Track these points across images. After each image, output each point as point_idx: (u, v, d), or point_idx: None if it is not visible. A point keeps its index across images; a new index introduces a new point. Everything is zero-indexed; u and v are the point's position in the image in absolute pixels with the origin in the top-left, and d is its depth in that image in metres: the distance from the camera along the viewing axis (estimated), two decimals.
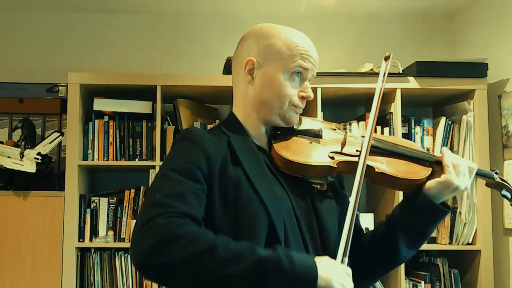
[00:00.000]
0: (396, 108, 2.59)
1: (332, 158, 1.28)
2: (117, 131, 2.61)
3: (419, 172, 1.31)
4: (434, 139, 2.66)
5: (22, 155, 2.55)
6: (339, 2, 2.91)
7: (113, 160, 2.59)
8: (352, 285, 1.10)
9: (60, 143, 2.70)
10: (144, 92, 2.60)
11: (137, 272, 2.50)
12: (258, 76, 1.29)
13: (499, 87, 2.63)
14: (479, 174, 1.38)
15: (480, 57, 2.63)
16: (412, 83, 2.60)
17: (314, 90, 2.57)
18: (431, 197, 1.28)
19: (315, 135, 1.33)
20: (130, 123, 2.64)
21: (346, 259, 1.14)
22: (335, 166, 1.26)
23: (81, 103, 2.58)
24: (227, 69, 2.56)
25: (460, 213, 2.58)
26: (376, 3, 2.94)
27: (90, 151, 2.59)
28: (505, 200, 2.54)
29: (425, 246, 2.59)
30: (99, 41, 3.03)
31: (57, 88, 2.82)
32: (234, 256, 1.02)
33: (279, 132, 1.32)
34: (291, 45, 1.27)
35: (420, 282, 2.57)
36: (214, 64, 2.75)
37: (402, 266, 2.50)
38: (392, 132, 2.60)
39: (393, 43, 3.06)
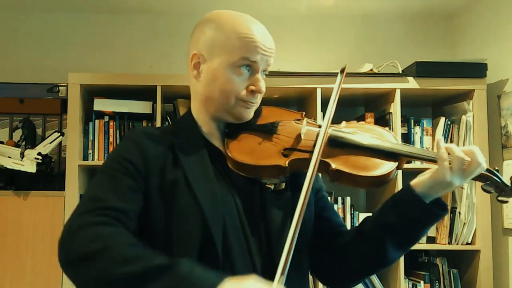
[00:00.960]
0: (395, 108, 2.59)
1: (286, 156, 1.18)
2: (117, 131, 2.62)
3: (382, 167, 1.17)
4: (433, 139, 2.66)
5: (22, 155, 2.56)
6: (339, 2, 2.91)
7: None
8: None
9: (60, 143, 2.71)
10: (144, 92, 2.60)
11: None
12: (204, 71, 1.20)
13: (499, 87, 2.64)
14: None
15: (479, 57, 2.63)
16: (411, 83, 2.61)
17: (314, 90, 2.58)
18: (422, 195, 1.15)
19: (269, 131, 1.23)
20: (130, 123, 2.64)
21: (284, 278, 1.03)
22: (286, 166, 1.16)
23: (82, 103, 2.58)
24: None
25: (459, 213, 2.58)
26: (376, 3, 2.95)
27: (90, 151, 2.60)
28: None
29: (424, 246, 2.60)
30: (100, 42, 3.04)
31: (57, 88, 2.82)
32: (128, 258, 0.98)
33: (232, 129, 1.23)
34: (236, 36, 1.17)
35: (419, 282, 2.58)
36: None
37: (402, 266, 2.51)
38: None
39: (393, 43, 3.06)
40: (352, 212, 2.66)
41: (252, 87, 1.20)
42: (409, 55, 2.75)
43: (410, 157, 1.21)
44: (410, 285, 2.59)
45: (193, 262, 0.98)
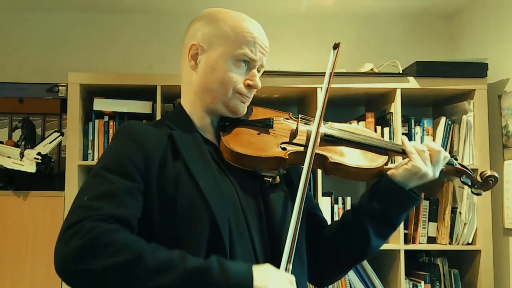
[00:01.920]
0: (396, 108, 2.59)
1: (284, 149, 1.22)
2: None
3: (375, 160, 1.27)
4: (434, 139, 2.66)
5: (22, 155, 2.55)
6: (339, 2, 2.91)
7: None
8: None
9: (60, 143, 2.70)
10: (144, 92, 2.60)
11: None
12: (202, 62, 1.21)
13: (499, 87, 2.63)
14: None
15: (480, 57, 2.63)
16: (412, 83, 2.60)
17: (314, 90, 2.58)
18: (397, 183, 1.23)
19: (266, 125, 1.25)
20: None
21: (290, 266, 1.08)
22: (286, 157, 1.20)
23: (81, 103, 2.58)
24: None
25: (460, 213, 2.58)
26: (376, 3, 2.94)
27: (90, 151, 2.59)
28: (505, 200, 2.55)
29: (425, 246, 2.60)
30: (99, 41, 3.04)
31: (57, 88, 2.82)
32: (162, 266, 0.96)
33: (227, 123, 1.24)
34: (238, 30, 1.20)
35: (420, 282, 2.57)
36: None
37: (402, 266, 2.50)
38: (392, 132, 2.60)
39: (393, 43, 3.06)
40: None
41: (249, 82, 1.22)
42: (410, 55, 2.75)
43: (392, 151, 1.30)
44: (411, 285, 2.58)
45: (219, 258, 1.01)
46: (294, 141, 1.25)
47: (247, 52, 1.19)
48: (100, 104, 2.61)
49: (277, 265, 1.07)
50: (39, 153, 2.56)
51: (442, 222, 2.60)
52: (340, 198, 2.64)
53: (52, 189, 2.61)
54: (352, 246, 1.26)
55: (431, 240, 2.61)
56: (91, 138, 2.60)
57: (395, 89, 2.59)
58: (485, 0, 2.80)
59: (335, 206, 2.62)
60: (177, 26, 3.12)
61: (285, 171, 1.22)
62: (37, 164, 2.56)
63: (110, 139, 2.59)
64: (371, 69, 2.66)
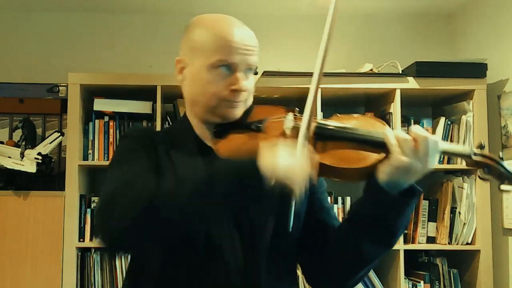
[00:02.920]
0: (395, 108, 2.59)
1: None
2: (117, 131, 2.62)
3: (367, 158, 1.11)
4: None
5: (22, 155, 2.56)
6: (339, 2, 2.91)
7: None
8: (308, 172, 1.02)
9: (60, 143, 2.71)
10: (144, 92, 2.60)
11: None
12: (187, 75, 1.24)
13: (499, 87, 2.64)
14: (447, 152, 1.16)
15: (479, 57, 2.63)
16: (411, 83, 2.61)
17: None
18: (384, 184, 1.09)
19: (255, 129, 1.21)
20: (130, 123, 2.64)
21: (306, 142, 1.06)
22: None
23: (81, 103, 2.58)
24: None
25: (459, 213, 2.58)
26: (376, 3, 2.95)
27: (90, 151, 2.60)
28: (505, 200, 2.56)
29: (424, 246, 2.60)
30: (99, 41, 3.04)
31: (57, 88, 2.83)
32: (182, 179, 1.05)
33: (220, 129, 1.23)
34: (212, 38, 1.19)
35: (419, 282, 2.58)
36: None
37: (402, 266, 2.51)
38: None
39: (393, 43, 3.06)
40: None
41: (232, 86, 1.19)
42: (409, 55, 2.75)
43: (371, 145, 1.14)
44: (410, 285, 2.59)
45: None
46: None
47: (222, 57, 1.18)
48: (100, 104, 2.61)
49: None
50: (39, 153, 2.56)
51: (441, 222, 2.61)
52: (339, 198, 2.65)
53: (52, 189, 2.61)
54: (346, 253, 1.19)
55: (431, 240, 2.62)
56: (91, 138, 2.60)
57: (395, 89, 2.59)
58: (485, 1, 2.81)
59: (335, 206, 2.62)
60: (177, 26, 3.12)
61: None
62: (38, 164, 2.56)
63: (110, 139, 2.60)
64: (371, 69, 2.66)
